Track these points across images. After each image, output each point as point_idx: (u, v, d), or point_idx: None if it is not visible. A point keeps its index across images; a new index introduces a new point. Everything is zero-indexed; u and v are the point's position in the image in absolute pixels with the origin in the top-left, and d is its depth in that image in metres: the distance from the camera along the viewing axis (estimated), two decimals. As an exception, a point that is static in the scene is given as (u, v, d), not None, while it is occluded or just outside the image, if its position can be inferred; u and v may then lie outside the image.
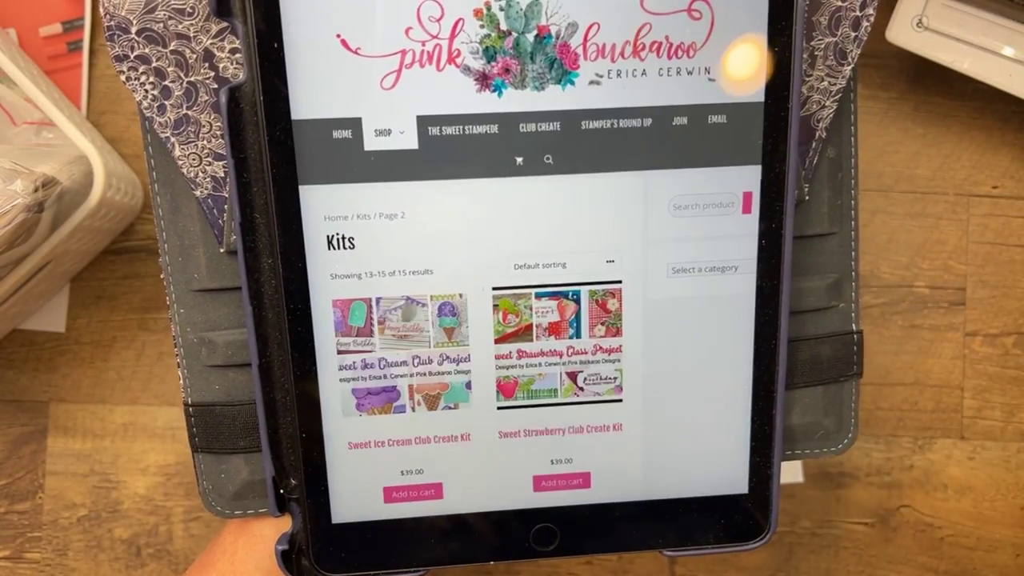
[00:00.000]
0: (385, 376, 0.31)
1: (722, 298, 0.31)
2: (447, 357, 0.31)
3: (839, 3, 0.31)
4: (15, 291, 0.39)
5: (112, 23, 0.29)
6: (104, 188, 0.39)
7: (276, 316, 0.30)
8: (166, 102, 0.30)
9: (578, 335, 0.32)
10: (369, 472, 0.32)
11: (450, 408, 0.32)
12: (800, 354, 0.34)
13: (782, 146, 0.30)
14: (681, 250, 0.31)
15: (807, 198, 0.32)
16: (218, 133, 0.30)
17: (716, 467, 0.33)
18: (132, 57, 0.29)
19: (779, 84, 0.29)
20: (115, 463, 0.47)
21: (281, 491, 0.32)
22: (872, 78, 0.47)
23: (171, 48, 0.29)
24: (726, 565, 0.48)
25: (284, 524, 0.32)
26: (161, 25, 0.29)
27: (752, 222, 0.31)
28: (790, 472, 0.47)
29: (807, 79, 0.31)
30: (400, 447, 0.32)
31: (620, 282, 0.31)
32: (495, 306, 0.31)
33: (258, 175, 0.29)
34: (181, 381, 0.32)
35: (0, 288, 0.38)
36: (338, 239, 0.30)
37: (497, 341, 0.31)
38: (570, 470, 0.33)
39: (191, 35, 0.29)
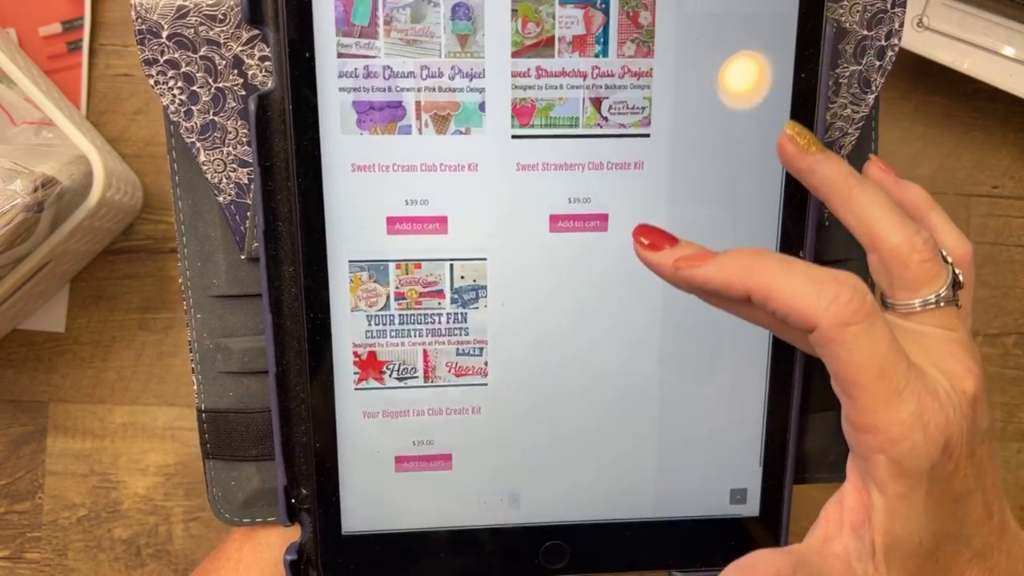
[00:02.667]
0: (390, 88, 0.28)
1: (764, 17, 0.29)
2: (459, 70, 0.28)
3: (865, 32, 0.31)
4: (15, 291, 0.39)
5: (143, 27, 0.29)
6: (104, 188, 0.39)
7: (295, 324, 0.30)
8: (193, 107, 0.30)
9: (605, 53, 0.29)
10: (376, 201, 0.29)
11: (461, 133, 0.29)
12: (815, 378, 0.33)
13: None
14: None
15: (827, 223, 0.32)
16: (244, 140, 0.30)
17: (728, 486, 0.32)
18: (162, 61, 0.29)
19: None
20: (115, 463, 0.47)
21: (292, 500, 0.32)
22: (872, 78, 0.47)
23: (201, 54, 0.29)
24: (726, 565, 0.48)
25: (289, 533, 0.32)
26: (192, 31, 0.29)
27: None
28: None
29: (831, 107, 0.31)
30: (404, 172, 0.29)
31: None
32: (514, 11, 0.28)
33: (283, 183, 0.29)
34: (195, 387, 0.32)
35: (0, 288, 0.38)
36: None
37: (515, 54, 0.28)
38: (588, 210, 0.30)
39: (221, 41, 0.29)
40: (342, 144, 0.29)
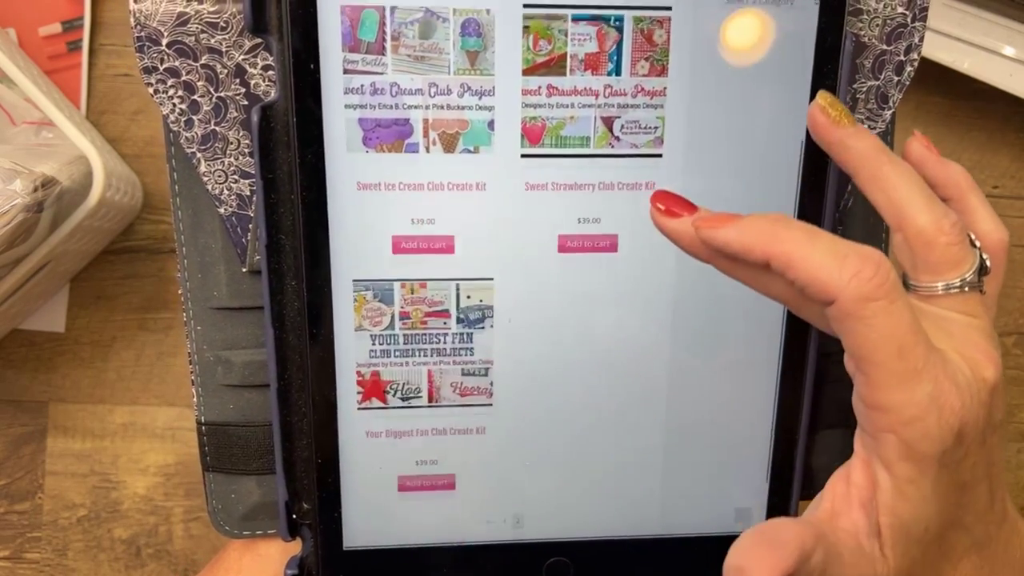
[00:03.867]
0: (397, 106, 0.28)
1: (781, 35, 0.28)
2: (468, 88, 0.28)
3: (884, 47, 0.30)
4: (15, 291, 0.39)
5: (142, 34, 0.28)
6: (104, 188, 0.39)
7: (297, 339, 0.29)
8: (194, 117, 0.29)
9: (618, 72, 0.28)
10: (382, 220, 0.29)
11: (469, 152, 0.28)
12: (825, 397, 0.32)
13: None
14: None
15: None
16: (246, 151, 0.29)
17: (733, 504, 0.32)
18: (161, 69, 0.29)
19: None
20: (115, 463, 0.47)
21: (293, 515, 0.31)
22: (872, 78, 0.47)
23: (202, 62, 0.29)
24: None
25: (289, 545, 0.32)
26: (193, 38, 0.28)
27: None
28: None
29: None
30: (411, 191, 0.29)
31: (670, 8, 0.28)
32: (525, 28, 0.27)
33: (287, 196, 0.28)
34: (195, 399, 0.32)
35: (0, 288, 0.38)
36: None
37: (526, 72, 0.28)
38: (597, 231, 0.29)
39: (223, 50, 0.29)
40: (347, 162, 0.28)
